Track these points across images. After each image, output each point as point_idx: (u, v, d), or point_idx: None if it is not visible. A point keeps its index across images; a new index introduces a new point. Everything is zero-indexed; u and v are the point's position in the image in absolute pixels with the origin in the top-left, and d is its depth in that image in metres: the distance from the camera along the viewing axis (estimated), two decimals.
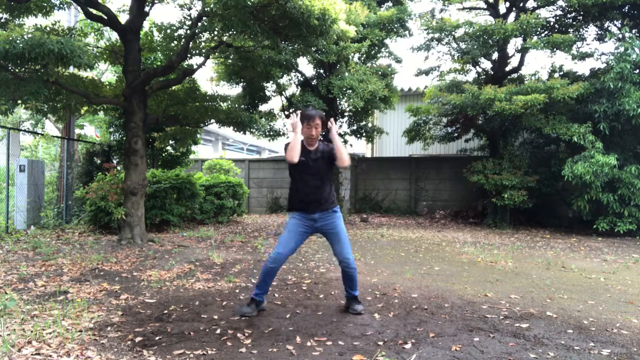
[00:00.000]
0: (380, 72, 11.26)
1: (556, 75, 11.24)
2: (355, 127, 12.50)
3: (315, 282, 4.98)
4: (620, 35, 10.22)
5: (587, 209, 9.79)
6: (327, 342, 3.15)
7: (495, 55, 12.11)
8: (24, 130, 13.93)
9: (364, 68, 10.66)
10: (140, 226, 7.35)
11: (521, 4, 11.85)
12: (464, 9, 12.93)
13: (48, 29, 7.03)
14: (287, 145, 3.69)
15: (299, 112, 3.79)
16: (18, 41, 5.34)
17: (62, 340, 3.05)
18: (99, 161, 10.98)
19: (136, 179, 7.30)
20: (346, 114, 12.12)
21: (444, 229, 10.76)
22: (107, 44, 8.80)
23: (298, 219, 3.75)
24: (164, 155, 11.92)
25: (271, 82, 11.26)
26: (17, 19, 7.09)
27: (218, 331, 3.35)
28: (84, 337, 3.13)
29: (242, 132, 10.31)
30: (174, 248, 6.97)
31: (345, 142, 12.34)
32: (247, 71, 9.72)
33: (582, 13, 11.10)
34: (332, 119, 3.87)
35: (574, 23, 11.56)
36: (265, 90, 11.72)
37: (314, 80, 11.60)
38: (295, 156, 3.58)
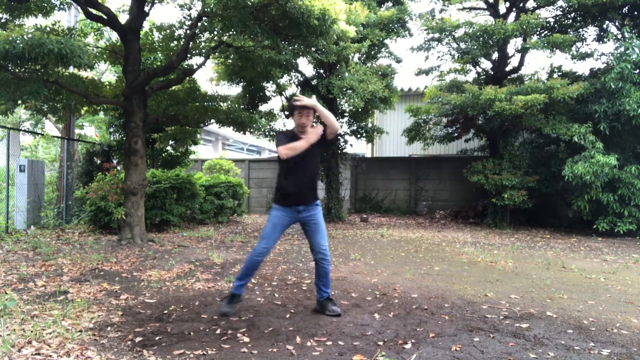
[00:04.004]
0: (380, 72, 11.25)
1: (556, 75, 11.25)
2: (355, 127, 12.50)
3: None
4: (620, 36, 10.22)
5: (587, 209, 9.79)
6: (327, 342, 3.15)
7: (495, 55, 12.11)
8: (24, 130, 13.94)
9: (364, 68, 10.66)
10: (140, 226, 7.35)
11: (521, 4, 11.86)
12: (464, 9, 12.94)
13: (48, 29, 7.03)
14: (281, 136, 3.62)
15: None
16: (18, 41, 5.34)
17: (62, 340, 3.04)
18: (99, 161, 10.97)
19: (136, 179, 7.30)
20: (346, 114, 12.12)
21: (444, 229, 10.75)
22: (107, 44, 8.80)
23: (282, 211, 3.71)
24: (164, 155, 11.92)
25: (271, 82, 11.26)
26: (17, 19, 7.09)
27: (218, 331, 3.35)
28: (84, 337, 3.13)
29: (242, 132, 10.31)
30: (174, 248, 6.97)
31: (346, 142, 12.35)
32: (247, 71, 9.72)
33: (582, 13, 11.10)
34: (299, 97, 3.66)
35: (574, 23, 11.57)
36: (265, 90, 11.72)
37: (314, 80, 11.60)
38: (289, 155, 3.55)
